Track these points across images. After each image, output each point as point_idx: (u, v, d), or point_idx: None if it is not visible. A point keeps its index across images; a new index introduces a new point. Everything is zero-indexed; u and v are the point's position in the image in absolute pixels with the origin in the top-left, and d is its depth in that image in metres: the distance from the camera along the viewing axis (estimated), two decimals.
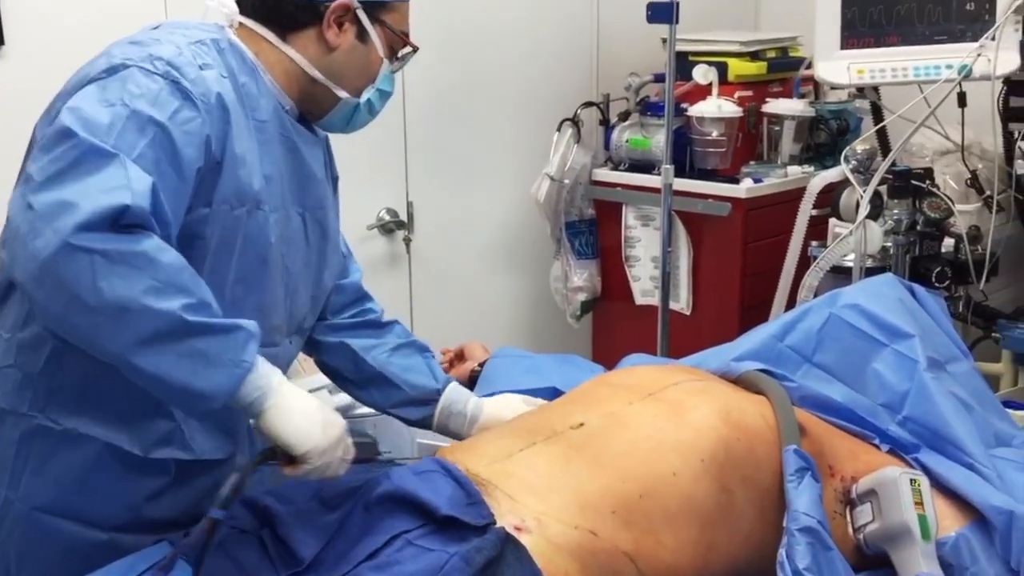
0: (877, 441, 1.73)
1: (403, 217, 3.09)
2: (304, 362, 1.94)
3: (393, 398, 1.79)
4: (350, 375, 1.80)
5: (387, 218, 3.06)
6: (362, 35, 1.56)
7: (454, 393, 1.81)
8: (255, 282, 1.50)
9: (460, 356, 2.31)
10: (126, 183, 1.27)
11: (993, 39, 2.47)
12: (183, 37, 1.47)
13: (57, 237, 1.23)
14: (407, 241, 3.11)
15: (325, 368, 1.83)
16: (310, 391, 1.87)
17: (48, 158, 1.29)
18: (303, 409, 1.37)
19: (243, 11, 1.56)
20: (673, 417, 1.56)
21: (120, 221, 1.26)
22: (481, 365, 2.12)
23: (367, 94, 1.60)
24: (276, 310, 1.56)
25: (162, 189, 1.32)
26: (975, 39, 2.50)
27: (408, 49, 1.62)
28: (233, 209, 1.44)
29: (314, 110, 1.60)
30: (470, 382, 2.10)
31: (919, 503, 1.54)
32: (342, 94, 1.58)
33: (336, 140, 1.78)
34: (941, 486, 1.66)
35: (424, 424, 1.82)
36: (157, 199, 1.31)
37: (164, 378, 1.29)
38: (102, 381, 1.43)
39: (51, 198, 1.26)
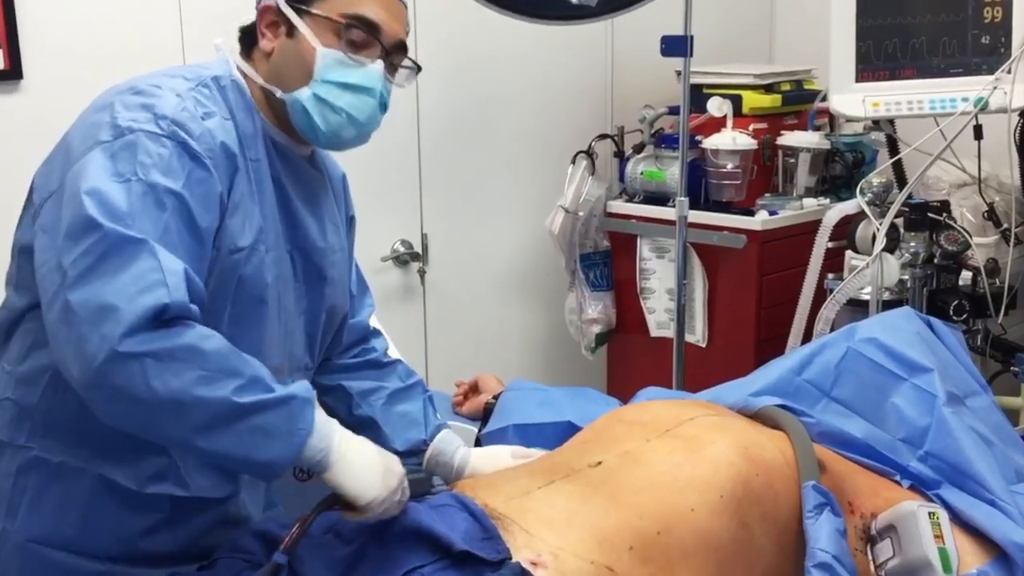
0: (898, 477, 1.71)
1: (418, 249, 3.09)
2: None
3: (382, 447, 1.76)
4: (344, 417, 1.77)
5: (402, 250, 3.07)
6: (291, 31, 1.51)
7: (442, 443, 1.78)
8: (252, 322, 1.50)
9: (474, 388, 2.31)
10: (161, 278, 1.30)
11: (1009, 72, 2.47)
12: (184, 81, 1.46)
13: (106, 345, 1.26)
14: (421, 273, 3.11)
15: (324, 407, 1.81)
16: None
17: (78, 251, 1.30)
18: (364, 461, 1.42)
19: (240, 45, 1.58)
20: (690, 453, 1.55)
21: (162, 317, 1.29)
22: (496, 397, 2.11)
23: (311, 88, 1.50)
24: (275, 350, 1.56)
25: (188, 260, 1.34)
26: (991, 72, 2.50)
27: (365, 35, 1.50)
28: (232, 253, 1.45)
29: (292, 130, 1.56)
30: (484, 415, 2.10)
31: (939, 536, 1.53)
32: (279, 94, 1.52)
33: (351, 172, 1.79)
34: (963, 523, 1.64)
35: None
36: (191, 282, 1.33)
37: (227, 455, 1.34)
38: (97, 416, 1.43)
39: (90, 300, 1.27)
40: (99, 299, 1.27)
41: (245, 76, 1.55)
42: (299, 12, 1.50)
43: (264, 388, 1.34)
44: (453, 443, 1.78)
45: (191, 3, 2.52)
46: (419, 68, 1.61)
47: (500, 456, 1.76)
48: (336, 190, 1.71)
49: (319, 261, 1.63)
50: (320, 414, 1.40)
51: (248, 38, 1.57)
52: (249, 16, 1.57)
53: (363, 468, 1.40)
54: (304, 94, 1.50)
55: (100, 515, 1.48)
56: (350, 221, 1.76)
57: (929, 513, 1.54)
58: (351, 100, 1.51)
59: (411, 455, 1.77)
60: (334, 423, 1.43)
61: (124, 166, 1.35)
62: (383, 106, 1.56)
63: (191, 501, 1.52)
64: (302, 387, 1.39)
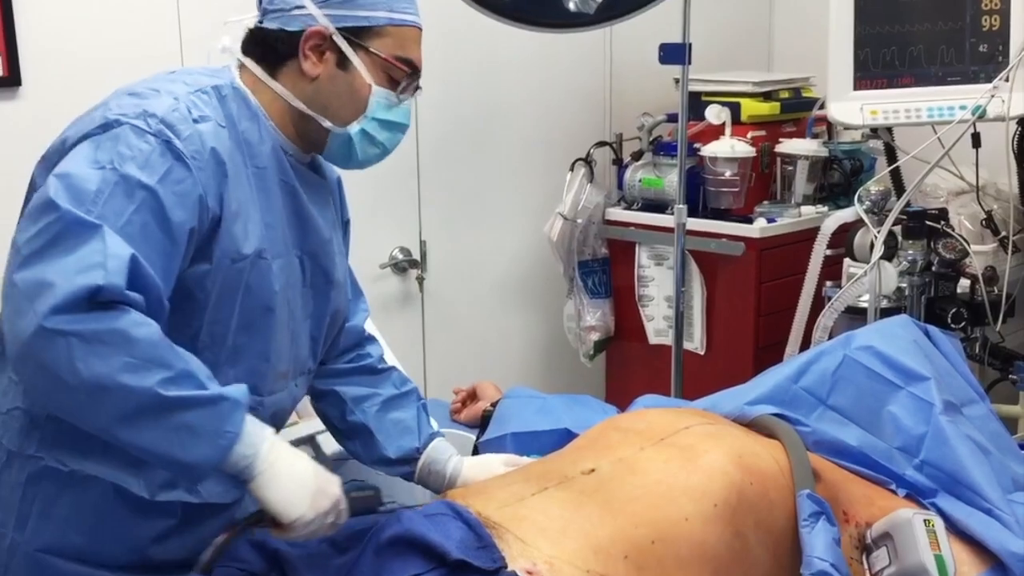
0: (894, 486, 1.71)
1: (416, 256, 3.10)
2: (303, 408, 1.94)
3: (374, 455, 1.77)
4: (338, 424, 1.78)
5: (400, 257, 3.07)
6: (343, 63, 1.52)
7: (435, 452, 1.77)
8: (259, 330, 1.50)
9: (472, 396, 2.31)
10: (102, 260, 1.28)
11: (1007, 80, 2.48)
12: (184, 86, 1.46)
13: (35, 320, 1.25)
14: (420, 280, 3.11)
15: (318, 412, 1.82)
16: (320, 432, 1.89)
17: (33, 231, 1.30)
18: (295, 476, 1.38)
19: (244, 51, 1.56)
20: (685, 462, 1.55)
21: (95, 299, 1.27)
22: (494, 405, 2.12)
23: (359, 124, 1.55)
24: (282, 356, 1.56)
25: (149, 254, 1.33)
26: (988, 80, 2.50)
27: (407, 77, 1.56)
28: (235, 262, 1.44)
29: (313, 146, 1.58)
30: (482, 422, 2.10)
31: (935, 543, 1.53)
32: (327, 124, 1.54)
33: (348, 179, 1.79)
34: (959, 531, 1.64)
35: (407, 478, 1.80)
36: (137, 270, 1.31)
37: (150, 450, 1.31)
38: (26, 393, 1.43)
39: (32, 276, 1.27)
40: (39, 276, 1.27)
41: (258, 82, 1.53)
42: (353, 46, 1.51)
43: (194, 384, 1.31)
44: (446, 452, 1.78)
45: (189, 10, 2.52)
46: (415, 72, 1.61)
47: (492, 465, 1.76)
48: (333, 193, 1.72)
49: (327, 264, 1.63)
50: (254, 422, 1.37)
51: (265, 47, 1.54)
52: (248, 20, 1.56)
53: (291, 483, 1.37)
54: (353, 128, 1.54)
55: (111, 524, 1.47)
56: (345, 225, 1.77)
57: (924, 520, 1.54)
58: (389, 136, 1.58)
59: (404, 463, 1.77)
60: (267, 432, 1.39)
61: (103, 155, 1.36)
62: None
63: (201, 507, 1.52)
64: (237, 389, 1.36)
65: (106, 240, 1.29)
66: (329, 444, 1.90)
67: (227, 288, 1.45)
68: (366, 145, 1.57)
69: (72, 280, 1.26)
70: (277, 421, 1.63)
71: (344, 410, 1.76)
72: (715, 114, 3.02)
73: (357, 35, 1.51)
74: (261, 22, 1.54)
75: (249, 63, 1.54)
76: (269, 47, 1.53)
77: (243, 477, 1.36)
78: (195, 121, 1.42)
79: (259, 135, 1.51)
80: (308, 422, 1.93)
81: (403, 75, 1.55)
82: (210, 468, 1.34)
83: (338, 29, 1.50)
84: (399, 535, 1.40)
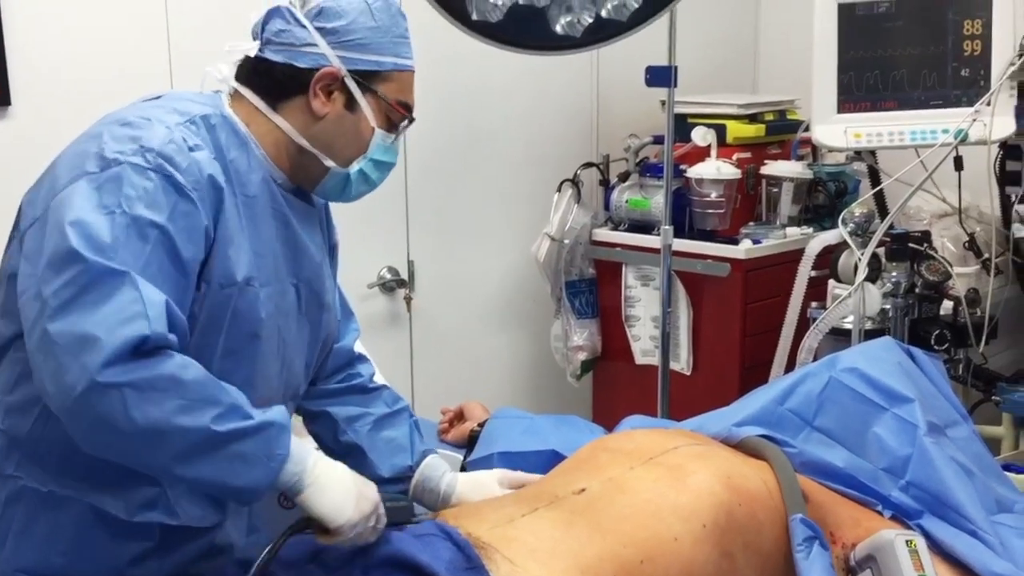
0: (880, 507, 1.72)
1: (404, 276, 3.10)
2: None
3: (368, 474, 1.72)
4: (330, 445, 1.78)
5: (388, 276, 3.08)
6: (351, 104, 1.54)
7: (428, 469, 1.78)
8: (245, 357, 1.50)
9: (460, 416, 2.32)
10: (142, 309, 1.31)
11: (988, 104, 2.51)
12: (174, 115, 1.47)
13: (86, 375, 1.27)
14: (408, 300, 3.12)
15: (311, 432, 1.82)
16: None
17: (59, 282, 1.31)
18: (338, 485, 1.44)
19: (238, 78, 1.56)
20: (674, 482, 1.56)
21: (142, 348, 1.30)
22: (481, 425, 2.12)
23: (359, 164, 1.58)
24: (268, 383, 1.56)
25: (168, 291, 1.35)
26: (971, 104, 2.53)
27: (405, 120, 1.60)
28: (223, 288, 1.45)
29: (306, 181, 1.59)
30: (469, 442, 2.10)
31: (917, 563, 1.54)
32: (329, 163, 1.56)
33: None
34: (944, 553, 1.65)
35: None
36: (172, 313, 1.34)
37: (206, 482, 1.37)
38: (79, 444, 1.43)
39: (71, 330, 1.29)
40: (79, 329, 1.28)
41: (255, 112, 1.53)
42: (362, 88, 1.54)
43: (242, 416, 1.36)
44: (439, 469, 1.79)
45: (179, 32, 2.53)
46: (411, 120, 1.64)
47: (486, 482, 1.77)
48: (321, 218, 1.73)
49: (319, 290, 1.65)
50: (296, 440, 1.42)
51: (269, 79, 1.54)
52: (239, 45, 1.56)
53: (336, 491, 1.42)
54: (353, 168, 1.58)
55: (89, 544, 1.47)
56: (333, 248, 1.77)
57: (907, 541, 1.55)
58: (379, 175, 1.62)
59: (397, 481, 1.77)
60: (309, 446, 1.45)
61: (109, 198, 1.36)
62: None
63: (179, 529, 1.52)
64: (279, 413, 1.41)
65: (139, 288, 1.32)
66: None
67: (215, 313, 1.45)
68: (360, 183, 1.60)
69: (117, 332, 1.28)
70: None
71: (336, 431, 1.77)
72: (701, 136, 3.04)
73: (366, 78, 1.54)
74: (262, 51, 1.54)
75: (247, 93, 1.55)
76: (273, 80, 1.53)
77: (292, 492, 1.41)
78: (191, 150, 1.43)
79: (248, 164, 1.51)
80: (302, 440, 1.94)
81: (400, 118, 1.59)
82: (265, 489, 1.39)
83: (349, 72, 1.52)
84: (389, 556, 1.41)
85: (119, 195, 1.36)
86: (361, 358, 1.86)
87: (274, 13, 1.54)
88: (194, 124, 1.47)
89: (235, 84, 1.56)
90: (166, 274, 1.36)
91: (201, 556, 1.55)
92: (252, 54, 1.54)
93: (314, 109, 1.52)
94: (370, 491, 1.47)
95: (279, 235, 1.55)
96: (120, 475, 1.44)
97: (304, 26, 1.51)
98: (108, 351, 1.27)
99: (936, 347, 2.48)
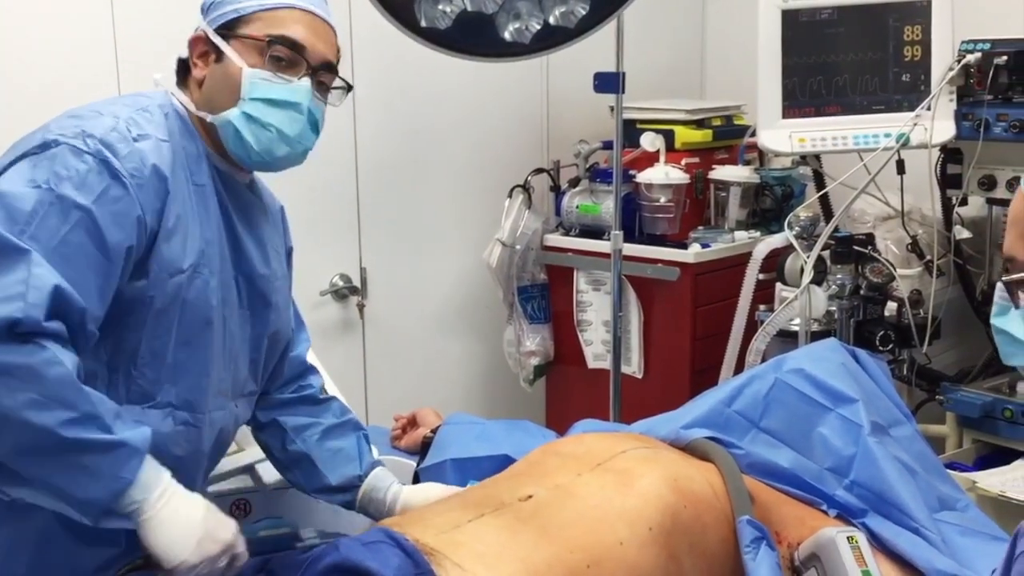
0: (825, 507, 1.75)
1: (357, 283, 3.10)
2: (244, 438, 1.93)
3: (316, 483, 1.78)
4: (278, 454, 1.79)
5: (340, 284, 3.07)
6: (219, 57, 1.54)
7: (376, 480, 1.79)
8: (198, 345, 1.51)
9: (413, 422, 2.32)
10: (23, 291, 1.29)
11: (929, 109, 2.56)
12: (127, 107, 1.49)
13: None
14: (360, 307, 3.11)
15: (258, 442, 1.83)
16: (259, 461, 1.89)
17: None
18: (181, 522, 1.40)
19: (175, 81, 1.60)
20: (621, 486, 1.58)
21: (13, 331, 1.28)
22: (434, 431, 2.13)
23: (240, 108, 1.53)
24: (222, 373, 1.56)
25: (85, 273, 1.34)
26: (911, 109, 2.58)
27: (289, 53, 1.53)
28: (172, 276, 1.45)
29: (228, 156, 1.58)
30: (422, 449, 2.11)
31: (860, 559, 1.57)
32: (209, 118, 1.54)
33: (290, 205, 1.80)
34: (888, 550, 1.68)
35: (347, 507, 1.81)
36: (60, 299, 1.32)
37: (46, 484, 1.34)
38: None
39: None
40: None
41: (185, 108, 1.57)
42: (225, 38, 1.54)
43: (97, 427, 1.33)
44: (387, 480, 1.79)
45: (126, 40, 2.52)
46: (350, 87, 1.63)
47: (433, 493, 1.78)
48: (275, 221, 1.73)
49: (263, 287, 1.64)
50: (155, 468, 1.39)
51: (184, 70, 1.59)
52: (184, 50, 1.60)
53: (175, 529, 1.39)
54: (233, 113, 1.53)
55: (53, 553, 1.46)
56: (289, 252, 1.78)
57: (848, 537, 1.58)
58: (280, 116, 1.54)
59: (344, 491, 1.78)
60: (164, 478, 1.41)
61: (40, 174, 1.37)
62: (313, 124, 1.58)
63: None
64: (139, 435, 1.38)
65: (31, 268, 1.30)
66: (269, 473, 1.90)
67: (165, 303, 1.46)
68: (256, 128, 1.53)
69: None
70: (220, 442, 1.64)
71: (285, 439, 1.77)
72: (650, 141, 3.06)
73: (229, 27, 1.54)
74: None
75: (176, 91, 1.58)
76: (180, 72, 1.59)
77: (131, 519, 1.38)
78: (135, 140, 1.44)
79: (197, 153, 1.53)
80: (250, 451, 1.93)
81: (285, 53, 1.54)
82: (100, 509, 1.36)
83: (214, 30, 1.54)
84: (336, 563, 1.41)
85: (49, 172, 1.37)
86: (312, 369, 1.86)
87: None
88: (148, 112, 1.49)
89: (169, 88, 1.59)
90: (87, 256, 1.35)
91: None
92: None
93: (196, 77, 1.56)
94: (221, 532, 1.43)
95: (223, 226, 1.56)
96: None
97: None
98: None
99: (881, 348, 2.52)
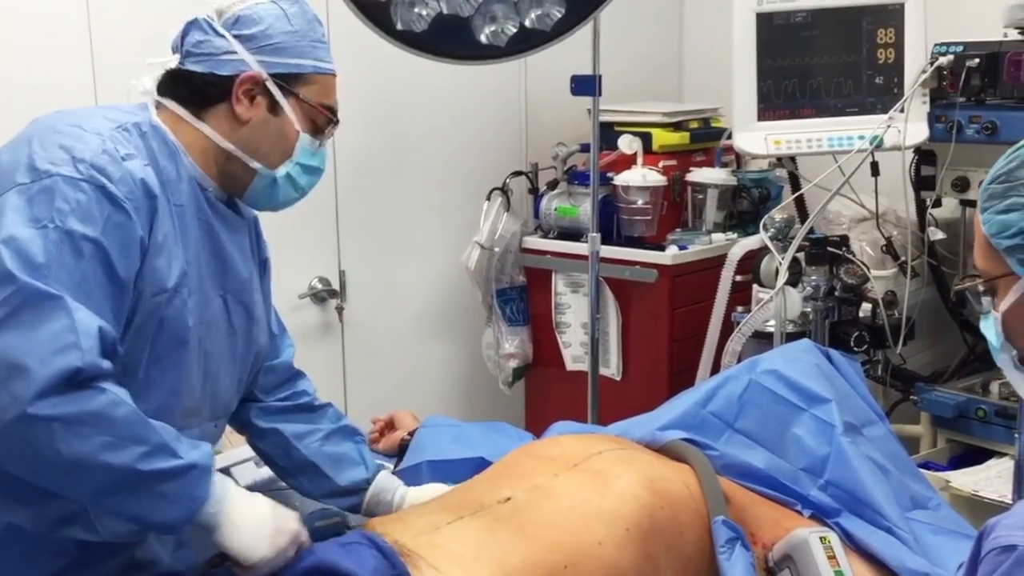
0: (799, 507, 1.76)
1: (336, 286, 3.10)
2: (231, 435, 1.94)
3: (323, 488, 1.80)
4: (282, 463, 1.80)
5: (319, 287, 3.07)
6: (274, 108, 1.56)
7: (383, 482, 1.82)
8: (172, 364, 1.50)
9: (390, 425, 2.32)
10: (75, 339, 1.31)
11: (902, 111, 2.58)
12: (107, 121, 1.47)
13: (16, 405, 1.28)
14: (340, 310, 3.12)
15: (258, 451, 1.84)
16: (234, 464, 1.89)
17: None
18: (253, 523, 1.45)
19: (161, 92, 1.57)
20: (597, 487, 1.58)
21: (74, 381, 1.30)
22: (411, 434, 2.13)
23: (285, 168, 1.59)
24: (191, 393, 1.56)
25: (102, 303, 1.35)
26: (885, 111, 2.60)
27: (331, 124, 1.63)
28: (153, 296, 1.45)
29: (235, 187, 1.60)
30: (400, 451, 2.11)
31: (833, 559, 1.58)
32: (256, 166, 1.57)
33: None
34: (861, 549, 1.69)
35: (353, 510, 1.82)
36: (105, 339, 1.34)
37: (127, 515, 1.41)
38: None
39: (3, 356, 1.29)
40: (11, 356, 1.28)
41: (180, 122, 1.54)
42: (284, 92, 1.55)
43: (168, 455, 1.37)
44: (393, 482, 1.82)
45: (101, 43, 2.51)
46: (336, 121, 1.66)
47: (439, 494, 1.78)
48: (250, 231, 1.73)
49: (247, 301, 1.65)
50: (218, 479, 1.45)
51: (192, 88, 1.55)
52: (168, 61, 1.57)
53: (250, 529, 1.45)
54: (280, 172, 1.59)
55: (4, 562, 1.46)
56: (264, 263, 1.78)
57: (821, 538, 1.59)
58: (308, 180, 1.64)
59: (352, 493, 1.80)
60: (229, 485, 1.46)
61: (41, 211, 1.35)
62: None
63: (99, 546, 1.51)
64: (202, 454, 1.43)
65: (73, 314, 1.31)
66: (244, 476, 1.91)
67: (144, 321, 1.45)
68: (288, 188, 1.61)
69: (49, 363, 1.29)
70: None
71: (288, 447, 1.78)
72: (627, 144, 3.08)
73: (287, 82, 1.56)
74: (183, 63, 1.55)
75: (171, 104, 1.56)
76: (196, 89, 1.55)
77: (208, 529, 1.44)
78: (123, 159, 1.43)
79: (177, 173, 1.52)
80: (227, 454, 1.94)
81: (325, 122, 1.61)
82: (179, 527, 1.44)
83: (270, 75, 1.54)
84: (313, 566, 1.42)
85: (51, 208, 1.35)
86: (300, 374, 1.87)
87: (192, 26, 1.55)
88: (126, 131, 1.48)
89: (158, 97, 1.57)
90: (102, 288, 1.36)
91: (121, 572, 1.54)
92: (173, 66, 1.56)
93: (238, 114, 1.54)
94: (288, 524, 1.49)
95: (205, 245, 1.56)
96: (35, 489, 1.42)
97: (223, 35, 1.53)
98: (40, 383, 1.28)
99: (856, 348, 2.54)
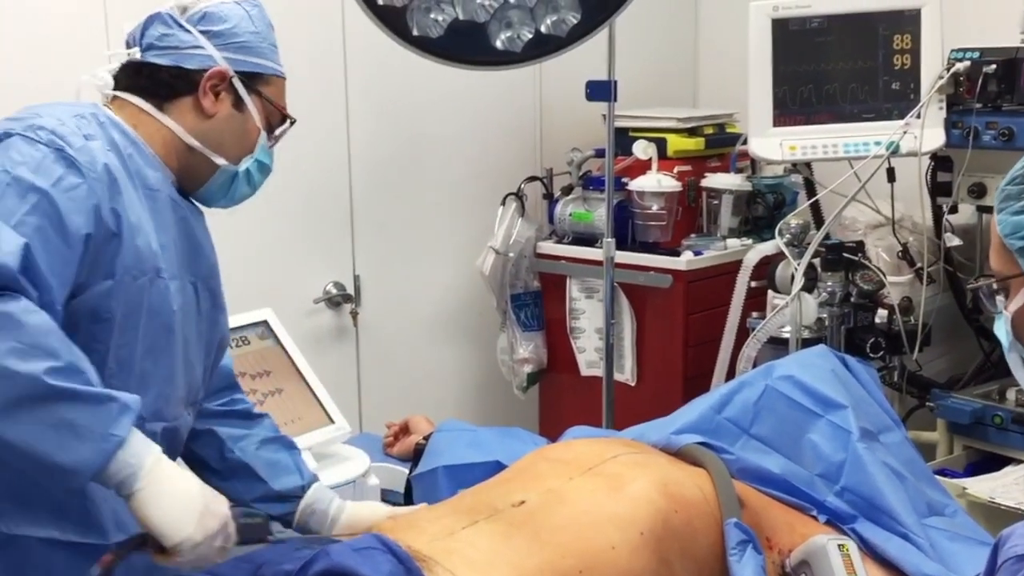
0: (815, 512, 1.75)
1: (350, 291, 3.10)
2: None
3: (256, 491, 1.73)
4: (215, 464, 1.73)
5: (334, 291, 3.08)
6: (239, 104, 1.58)
7: (318, 492, 1.77)
8: (162, 353, 1.50)
9: (405, 429, 2.33)
10: None
11: (918, 117, 2.57)
12: (64, 110, 1.48)
13: None
14: (354, 314, 3.12)
15: (190, 456, 1.74)
16: None
17: None
18: (180, 494, 1.33)
19: (118, 86, 1.57)
20: (611, 491, 1.58)
21: None
22: (426, 438, 2.13)
23: (246, 163, 1.62)
24: (179, 381, 1.55)
25: (44, 254, 1.32)
26: (901, 117, 2.59)
27: (286, 124, 1.66)
28: (136, 279, 1.45)
29: (193, 181, 1.60)
30: (415, 456, 2.12)
31: (850, 567, 1.58)
32: (220, 161, 1.59)
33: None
34: (877, 556, 1.69)
35: (284, 520, 1.75)
36: (30, 261, 1.30)
37: (28, 448, 1.24)
38: None
39: None
40: None
41: (141, 114, 1.55)
42: (248, 89, 1.58)
43: (83, 380, 1.27)
44: (328, 494, 1.78)
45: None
46: (292, 121, 1.68)
47: (380, 511, 1.77)
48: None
49: (214, 289, 1.65)
50: (141, 435, 1.32)
51: (154, 81, 1.56)
52: (124, 54, 1.58)
53: (175, 500, 1.30)
54: (241, 167, 1.61)
55: None
56: None
57: (839, 545, 1.59)
58: (260, 178, 1.66)
59: (286, 500, 1.75)
60: (153, 447, 1.33)
61: None
62: None
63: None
64: (128, 395, 1.31)
65: (0, 231, 1.30)
66: None
67: (130, 308, 1.45)
68: (244, 185, 1.64)
69: None
70: (175, 452, 1.61)
71: (223, 448, 1.74)
72: (642, 149, 3.08)
73: (251, 80, 1.59)
74: (144, 56, 1.57)
75: (130, 97, 1.56)
76: (161, 82, 1.56)
77: (122, 491, 1.30)
78: (85, 137, 1.44)
79: (144, 160, 1.53)
80: None
81: (279, 122, 1.65)
82: (88, 473, 1.26)
83: (236, 72, 1.57)
84: (327, 569, 1.41)
85: (4, 158, 1.37)
86: (239, 386, 1.84)
87: (155, 19, 1.57)
88: (84, 119, 1.48)
89: (115, 92, 1.57)
90: (45, 236, 1.33)
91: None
92: (137, 58, 1.57)
93: (204, 108, 1.56)
94: (219, 506, 1.37)
95: (179, 231, 1.56)
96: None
97: (188, 30, 1.56)
98: None
99: (871, 355, 2.53)
